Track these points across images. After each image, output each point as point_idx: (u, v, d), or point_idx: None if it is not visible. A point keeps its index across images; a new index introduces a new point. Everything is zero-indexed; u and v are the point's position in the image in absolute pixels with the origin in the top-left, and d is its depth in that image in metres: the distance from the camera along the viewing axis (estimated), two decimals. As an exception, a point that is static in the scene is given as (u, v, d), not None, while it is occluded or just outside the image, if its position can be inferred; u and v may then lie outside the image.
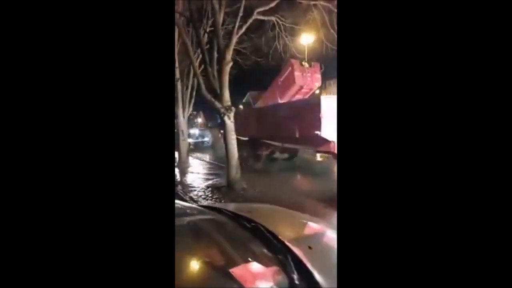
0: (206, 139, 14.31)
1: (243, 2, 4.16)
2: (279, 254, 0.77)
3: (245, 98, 12.94)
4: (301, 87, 9.41)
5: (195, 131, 14.46)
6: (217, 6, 4.10)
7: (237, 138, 4.81)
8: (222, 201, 4.22)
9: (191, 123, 14.13)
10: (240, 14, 4.17)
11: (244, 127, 7.78)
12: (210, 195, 4.56)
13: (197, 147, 12.91)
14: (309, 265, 0.72)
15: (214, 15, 4.23)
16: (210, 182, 5.45)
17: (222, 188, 4.71)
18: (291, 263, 0.71)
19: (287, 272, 0.68)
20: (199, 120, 19.26)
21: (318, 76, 9.69)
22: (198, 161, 9.24)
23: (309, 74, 9.41)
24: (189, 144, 12.91)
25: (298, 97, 10.21)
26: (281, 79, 9.64)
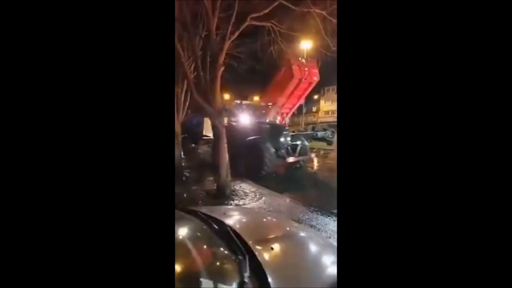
0: None
1: (236, 8, 4.21)
2: (238, 254, 0.80)
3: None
4: (300, 80, 9.44)
5: None
6: (210, 12, 4.15)
7: None
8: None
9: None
10: (233, 20, 4.22)
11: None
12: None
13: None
14: (264, 265, 0.75)
15: (207, 20, 4.28)
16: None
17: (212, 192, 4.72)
18: (246, 263, 0.73)
19: (240, 270, 0.71)
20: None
21: (316, 71, 9.73)
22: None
23: (306, 68, 9.49)
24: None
25: (298, 93, 10.11)
26: (280, 75, 9.70)
